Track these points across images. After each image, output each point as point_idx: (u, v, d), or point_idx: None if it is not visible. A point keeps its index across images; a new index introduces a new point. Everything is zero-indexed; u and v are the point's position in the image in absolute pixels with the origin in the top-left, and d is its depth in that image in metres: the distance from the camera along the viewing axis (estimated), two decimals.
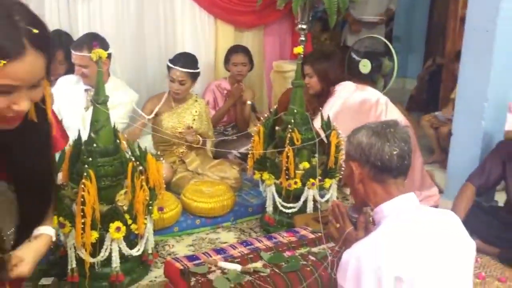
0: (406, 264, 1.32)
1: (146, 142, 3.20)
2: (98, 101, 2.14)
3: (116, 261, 2.19)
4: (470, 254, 1.47)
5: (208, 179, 3.17)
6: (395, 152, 1.43)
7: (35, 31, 1.02)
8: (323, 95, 3.22)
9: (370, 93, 3.24)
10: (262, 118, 2.92)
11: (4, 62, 0.96)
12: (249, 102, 3.80)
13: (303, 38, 4.25)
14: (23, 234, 1.28)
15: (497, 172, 2.61)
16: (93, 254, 2.14)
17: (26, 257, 1.25)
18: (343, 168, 2.81)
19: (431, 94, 4.97)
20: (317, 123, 2.87)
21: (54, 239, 1.35)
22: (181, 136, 3.23)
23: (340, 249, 1.82)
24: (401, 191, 1.47)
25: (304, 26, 4.18)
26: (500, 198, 3.04)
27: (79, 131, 2.32)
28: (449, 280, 1.39)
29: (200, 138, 3.29)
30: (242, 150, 3.65)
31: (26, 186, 1.22)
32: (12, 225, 1.23)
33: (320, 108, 3.01)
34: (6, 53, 0.97)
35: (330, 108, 3.00)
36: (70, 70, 3.20)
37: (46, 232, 1.33)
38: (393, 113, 3.23)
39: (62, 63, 3.32)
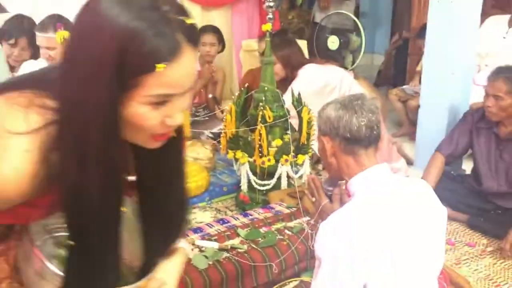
0: (377, 235, 1.35)
1: None
2: None
3: None
4: (443, 221, 1.52)
5: None
6: (363, 123, 1.45)
7: (189, 21, 0.82)
8: (288, 80, 3.25)
9: (334, 74, 3.29)
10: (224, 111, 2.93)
11: (163, 66, 0.77)
12: (210, 96, 3.78)
13: (271, 16, 4.20)
14: (149, 264, 1.07)
15: (465, 141, 2.69)
16: None
17: (168, 280, 1.08)
18: (312, 144, 2.85)
19: (398, 68, 5.04)
20: (288, 100, 2.89)
21: (191, 255, 1.11)
22: None
23: (316, 222, 1.86)
24: (373, 162, 1.50)
25: (271, 4, 4.13)
26: (467, 167, 3.14)
27: None
28: (423, 247, 1.44)
29: None
30: (214, 130, 3.65)
31: (156, 212, 1.01)
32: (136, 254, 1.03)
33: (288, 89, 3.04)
34: (162, 55, 0.77)
35: (295, 89, 3.02)
36: (34, 55, 3.13)
37: (182, 246, 1.15)
38: (358, 88, 3.31)
39: (25, 49, 3.23)
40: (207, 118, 3.79)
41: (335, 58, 4.27)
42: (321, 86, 3.22)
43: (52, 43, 2.87)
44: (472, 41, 2.84)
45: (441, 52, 2.80)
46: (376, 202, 1.41)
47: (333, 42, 4.24)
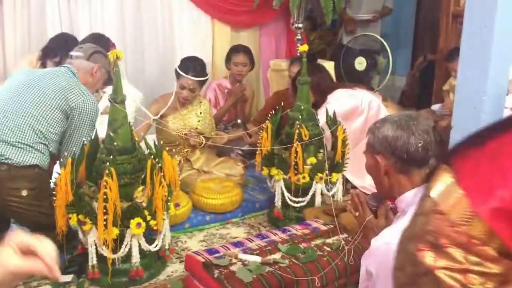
0: None
1: (150, 142, 3.23)
2: (116, 100, 2.18)
3: (136, 257, 2.24)
4: None
5: (214, 177, 3.22)
6: (420, 144, 1.49)
7: None
8: (317, 106, 3.31)
9: (362, 97, 3.36)
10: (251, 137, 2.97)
11: None
12: (239, 121, 3.85)
13: (299, 37, 4.33)
14: None
15: None
16: (114, 250, 2.18)
17: None
18: (346, 164, 2.90)
19: (422, 89, 5.08)
20: (321, 119, 2.95)
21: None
22: (185, 137, 3.28)
23: (358, 236, 1.90)
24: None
25: (300, 25, 4.25)
26: None
27: (95, 131, 2.36)
28: None
29: (203, 139, 3.33)
30: (245, 147, 3.71)
31: None
32: None
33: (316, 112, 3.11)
34: None
35: (322, 115, 3.07)
36: None
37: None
38: (386, 113, 3.37)
39: None
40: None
41: (362, 78, 4.33)
42: (350, 109, 3.28)
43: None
44: (506, 64, 2.88)
45: (474, 74, 2.84)
46: None
47: (360, 63, 4.31)
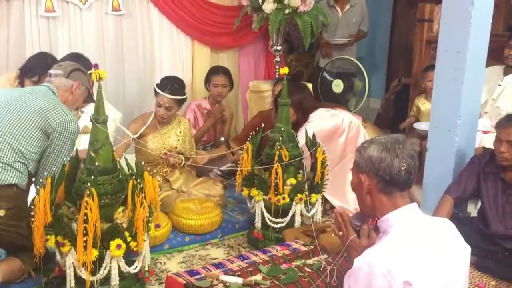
0: (414, 268, 1.43)
1: (131, 162, 3.21)
2: (98, 120, 2.17)
3: (115, 279, 2.20)
4: (467, 257, 1.61)
5: (193, 197, 3.21)
6: (403, 168, 1.54)
7: None
8: (299, 124, 3.36)
9: (343, 117, 3.43)
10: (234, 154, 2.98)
11: None
12: (222, 139, 3.88)
13: (278, 59, 4.40)
14: None
15: (473, 184, 2.79)
16: (92, 273, 2.15)
17: None
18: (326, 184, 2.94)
19: (397, 112, 5.20)
20: (301, 140, 2.99)
21: None
22: (165, 157, 3.27)
23: (342, 256, 1.92)
24: (405, 202, 1.59)
25: (279, 48, 4.33)
26: (471, 209, 3.24)
27: (76, 151, 2.34)
28: (452, 281, 1.51)
29: (183, 158, 3.34)
30: (224, 167, 3.72)
31: None
32: None
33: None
34: None
35: (302, 136, 3.11)
36: None
37: None
38: (365, 136, 3.44)
39: None
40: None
41: (339, 100, 4.41)
42: (332, 129, 3.33)
43: None
44: (477, 88, 2.98)
45: (448, 98, 2.93)
46: (410, 239, 1.49)
47: (337, 86, 4.39)
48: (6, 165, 2.26)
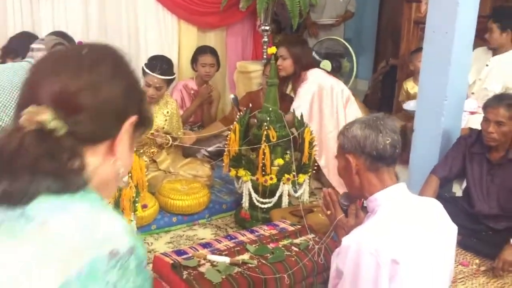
0: (401, 247, 1.44)
1: None
2: None
3: None
4: (454, 236, 1.62)
5: (181, 178, 3.20)
6: (387, 141, 1.55)
7: None
8: (293, 79, 3.35)
9: (338, 82, 3.49)
10: (242, 112, 2.99)
11: None
12: (232, 96, 3.82)
13: (266, 39, 4.36)
14: None
15: (458, 165, 2.82)
16: None
17: None
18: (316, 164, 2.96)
19: (385, 93, 5.21)
20: (295, 104, 3.06)
21: None
22: (152, 137, 3.25)
23: (330, 235, 1.93)
24: (393, 180, 1.59)
25: (267, 28, 4.29)
26: (456, 189, 3.28)
27: None
28: (439, 260, 1.53)
29: (170, 139, 3.31)
30: (211, 148, 3.71)
31: None
32: None
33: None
34: None
35: (307, 91, 3.15)
36: None
37: None
38: (354, 105, 3.46)
39: None
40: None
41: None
42: (328, 88, 3.33)
43: None
44: (464, 69, 2.99)
45: (436, 79, 2.94)
46: (398, 218, 1.50)
47: (325, 66, 4.36)
48: None
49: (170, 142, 3.29)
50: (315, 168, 3.06)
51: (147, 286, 0.74)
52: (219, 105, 4.31)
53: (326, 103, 3.30)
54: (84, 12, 3.82)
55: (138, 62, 4.09)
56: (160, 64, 3.19)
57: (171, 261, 2.08)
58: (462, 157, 2.81)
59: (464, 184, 3.00)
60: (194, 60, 3.96)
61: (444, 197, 2.90)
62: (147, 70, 3.17)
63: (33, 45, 2.52)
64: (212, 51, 3.96)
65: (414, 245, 1.47)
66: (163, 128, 3.28)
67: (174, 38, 4.30)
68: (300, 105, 3.12)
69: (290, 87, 3.67)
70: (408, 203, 1.58)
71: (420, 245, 1.48)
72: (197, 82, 3.97)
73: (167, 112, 3.33)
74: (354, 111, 3.42)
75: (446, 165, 2.83)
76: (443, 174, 2.83)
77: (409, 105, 3.83)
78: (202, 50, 3.96)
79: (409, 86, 4.12)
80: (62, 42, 2.59)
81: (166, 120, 3.32)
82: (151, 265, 2.18)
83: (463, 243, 2.78)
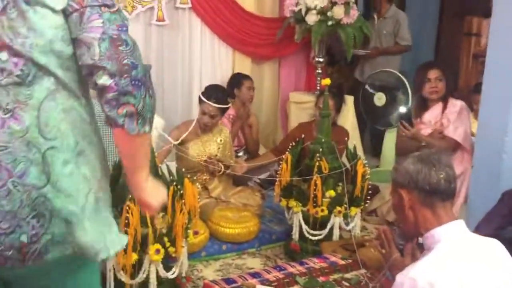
0: (459, 284, 1.38)
1: (172, 169, 3.25)
2: None
3: (153, 283, 2.22)
4: None
5: (231, 206, 3.22)
6: (441, 176, 1.51)
7: None
8: (443, 102, 3.38)
9: None
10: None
11: None
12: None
13: (319, 71, 4.38)
14: None
15: (502, 224, 2.64)
16: (132, 276, 2.18)
17: None
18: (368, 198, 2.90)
19: None
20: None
21: None
22: (205, 164, 3.30)
23: (384, 275, 1.88)
24: (449, 216, 1.54)
25: (321, 59, 4.32)
26: None
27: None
28: None
29: (222, 166, 3.35)
30: (261, 176, 3.71)
31: None
32: None
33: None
34: None
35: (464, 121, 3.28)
36: None
37: None
38: None
39: None
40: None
41: (381, 113, 4.35)
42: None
43: None
44: None
45: (496, 114, 2.83)
46: (456, 256, 1.44)
47: (379, 99, 4.32)
48: None
49: (222, 169, 3.33)
50: (367, 201, 3.00)
51: None
52: (258, 130, 4.33)
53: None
54: (143, 41, 3.98)
55: (191, 91, 4.23)
56: (215, 93, 3.27)
57: None
58: (509, 214, 2.63)
59: None
60: (238, 85, 4.02)
61: (504, 237, 2.76)
62: (203, 98, 3.25)
63: None
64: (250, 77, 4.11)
65: (473, 282, 1.40)
66: (216, 155, 3.33)
67: (228, 69, 4.39)
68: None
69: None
70: (468, 241, 1.52)
71: (480, 284, 1.41)
72: (235, 107, 3.99)
73: (220, 140, 3.39)
74: None
75: (490, 223, 2.66)
76: (487, 232, 2.66)
77: None
78: (244, 76, 4.07)
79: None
80: None
81: (219, 148, 3.37)
82: None
83: None
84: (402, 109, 3.42)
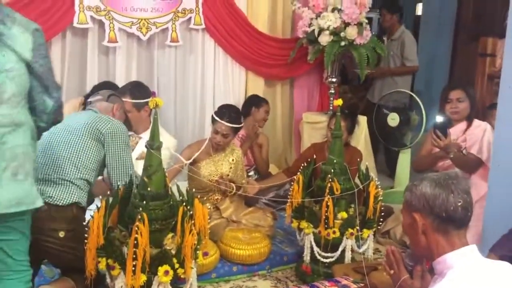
0: None
1: (182, 189, 3.25)
2: (153, 146, 2.21)
3: None
4: None
5: (243, 227, 3.20)
6: (459, 203, 1.46)
7: None
8: (468, 121, 3.35)
9: None
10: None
11: None
12: None
13: (332, 91, 4.38)
14: None
15: None
16: None
17: None
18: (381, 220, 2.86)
19: None
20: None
21: None
22: (216, 184, 3.29)
23: None
24: (462, 242, 1.50)
25: (334, 80, 4.31)
26: None
27: (131, 175, 2.40)
28: None
29: (234, 186, 3.34)
30: (269, 196, 3.69)
31: None
32: None
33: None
34: None
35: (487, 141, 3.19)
36: None
37: None
38: None
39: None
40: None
41: (395, 134, 4.32)
42: None
43: (128, 106, 3.16)
44: None
45: (510, 135, 2.80)
46: (470, 283, 1.41)
47: (393, 119, 4.30)
48: (68, 182, 2.33)
49: (234, 190, 3.32)
50: (380, 222, 2.96)
51: None
52: (281, 156, 4.31)
53: None
54: (157, 62, 4.03)
55: (204, 111, 4.25)
56: (228, 112, 3.28)
57: None
58: None
59: None
60: (258, 105, 4.02)
61: None
62: (216, 118, 3.26)
63: (91, 99, 2.76)
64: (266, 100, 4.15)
65: None
66: (228, 175, 3.33)
67: (242, 89, 4.41)
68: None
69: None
70: (481, 267, 1.47)
71: None
72: (246, 127, 3.97)
73: (233, 160, 3.38)
74: None
75: (504, 245, 2.60)
76: (502, 253, 2.60)
77: None
78: (261, 99, 4.10)
79: None
80: (115, 93, 2.84)
81: (231, 168, 3.36)
82: None
83: None
84: (439, 118, 3.34)
